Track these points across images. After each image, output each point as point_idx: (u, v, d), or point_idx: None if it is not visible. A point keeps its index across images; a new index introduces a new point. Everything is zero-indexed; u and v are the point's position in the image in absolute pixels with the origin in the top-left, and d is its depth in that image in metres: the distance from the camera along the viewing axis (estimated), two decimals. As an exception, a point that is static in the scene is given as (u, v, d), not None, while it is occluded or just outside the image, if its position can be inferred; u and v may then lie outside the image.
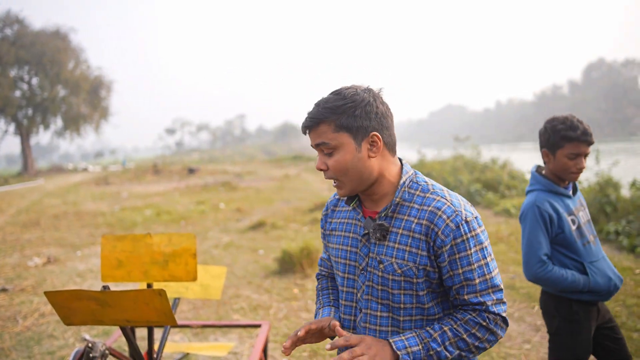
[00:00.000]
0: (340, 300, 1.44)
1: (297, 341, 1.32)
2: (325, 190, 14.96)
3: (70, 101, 39.97)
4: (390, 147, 1.33)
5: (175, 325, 2.16)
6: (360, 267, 1.35)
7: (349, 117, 1.25)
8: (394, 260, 1.28)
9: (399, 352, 1.18)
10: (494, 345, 1.21)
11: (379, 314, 1.32)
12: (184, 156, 72.60)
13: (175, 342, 2.66)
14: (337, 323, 1.24)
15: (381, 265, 1.30)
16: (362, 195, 1.36)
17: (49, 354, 3.77)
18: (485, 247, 1.28)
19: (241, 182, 19.97)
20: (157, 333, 2.86)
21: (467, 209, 1.28)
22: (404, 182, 1.32)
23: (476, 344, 1.23)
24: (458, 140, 16.60)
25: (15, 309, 4.85)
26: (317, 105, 1.30)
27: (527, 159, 22.66)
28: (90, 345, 2.09)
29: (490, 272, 1.27)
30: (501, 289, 1.29)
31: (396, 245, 1.28)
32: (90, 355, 2.08)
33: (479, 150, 15.12)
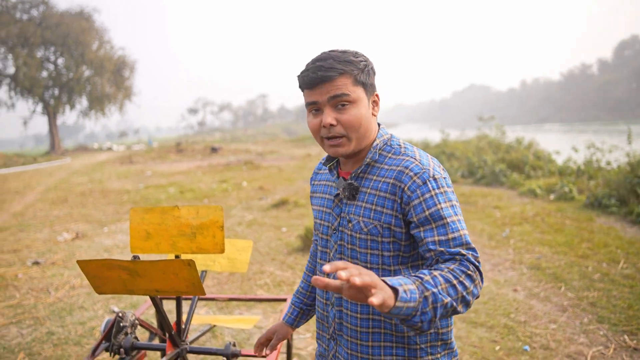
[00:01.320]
0: (318, 259, 1.46)
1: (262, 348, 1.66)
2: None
3: (95, 81, 40.54)
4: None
5: (204, 296, 2.19)
6: (332, 227, 1.36)
7: (363, 74, 1.25)
8: (360, 219, 1.28)
9: (397, 287, 0.97)
10: (475, 299, 1.13)
11: (361, 264, 1.29)
12: (206, 136, 73.15)
13: (202, 315, 2.70)
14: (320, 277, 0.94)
15: (350, 224, 1.30)
16: (347, 157, 1.33)
17: (80, 324, 3.88)
18: (456, 205, 1.23)
19: (263, 161, 20.05)
20: (184, 307, 2.90)
21: (435, 168, 1.25)
22: (377, 145, 1.31)
23: (464, 293, 1.08)
24: (482, 120, 16.30)
25: (47, 281, 4.99)
26: (328, 58, 1.23)
27: (552, 140, 22.17)
28: (120, 315, 2.14)
29: (463, 229, 1.19)
30: (474, 247, 1.18)
31: (364, 205, 1.28)
32: (121, 324, 2.13)
33: (504, 130, 14.82)
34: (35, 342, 3.57)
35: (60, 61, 40.34)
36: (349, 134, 1.25)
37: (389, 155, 1.30)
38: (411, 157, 1.27)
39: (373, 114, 1.30)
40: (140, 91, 53.01)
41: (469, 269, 1.12)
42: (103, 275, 1.67)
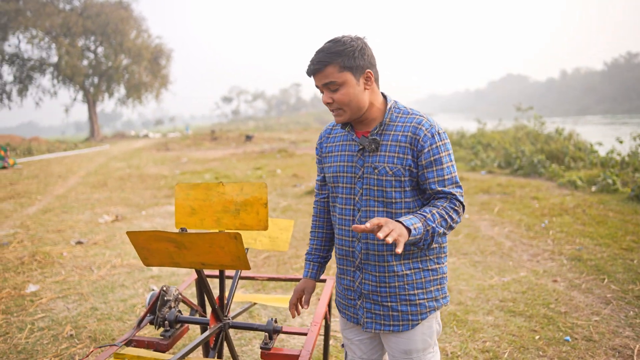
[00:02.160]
0: (339, 205, 1.74)
1: (296, 308, 1.91)
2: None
3: (133, 70, 41.44)
4: (377, 81, 1.68)
5: (244, 275, 2.21)
6: (357, 176, 1.68)
7: (349, 59, 1.57)
8: (385, 164, 1.62)
9: (409, 227, 1.44)
10: (455, 227, 1.63)
11: (376, 209, 1.65)
12: (240, 124, 73.90)
13: (241, 294, 2.75)
14: (356, 226, 1.39)
15: (376, 170, 1.63)
16: (355, 121, 1.70)
17: (122, 301, 4.01)
18: (451, 153, 1.65)
19: (297, 149, 20.13)
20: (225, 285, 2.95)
21: (439, 126, 1.65)
22: (390, 107, 1.67)
23: (451, 223, 1.58)
24: (520, 110, 15.86)
25: (90, 260, 5.17)
26: (320, 51, 1.59)
27: (593, 132, 21.37)
28: (165, 289, 2.19)
29: (455, 172, 1.65)
30: (461, 186, 1.65)
31: (387, 154, 1.63)
32: (165, 298, 2.18)
33: (543, 120, 14.39)
34: (80, 316, 3.71)
35: (100, 50, 41.43)
36: (342, 107, 1.62)
37: (399, 115, 1.66)
38: (419, 115, 1.65)
39: (366, 88, 1.62)
40: (176, 79, 54.01)
41: (455, 205, 1.60)
42: (151, 247, 1.71)
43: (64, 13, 37.64)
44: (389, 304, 1.67)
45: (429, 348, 1.74)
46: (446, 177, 1.61)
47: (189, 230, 1.83)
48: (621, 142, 10.09)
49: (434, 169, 1.60)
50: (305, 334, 2.10)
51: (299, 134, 35.92)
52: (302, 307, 1.89)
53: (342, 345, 1.96)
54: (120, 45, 39.68)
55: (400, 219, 1.47)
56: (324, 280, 2.71)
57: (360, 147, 1.66)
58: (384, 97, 1.71)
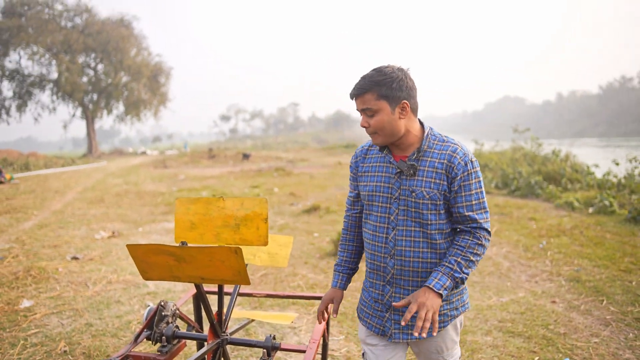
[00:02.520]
0: (373, 222, 1.85)
1: (323, 315, 2.04)
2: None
3: (132, 87, 41.64)
4: (415, 110, 1.78)
5: (242, 292, 2.20)
6: (394, 197, 1.79)
7: (387, 89, 1.70)
8: (423, 189, 1.74)
9: (439, 292, 1.64)
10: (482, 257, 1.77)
11: (412, 229, 1.77)
12: (237, 142, 74.09)
13: (239, 311, 2.72)
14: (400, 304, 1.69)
15: (413, 194, 1.75)
16: (392, 145, 1.82)
17: (117, 317, 3.96)
18: (481, 180, 1.77)
19: (294, 168, 20.15)
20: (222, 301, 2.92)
21: (471, 154, 1.77)
22: (427, 135, 1.79)
23: (477, 259, 1.73)
24: (517, 132, 15.95)
25: (85, 276, 5.12)
26: (363, 78, 1.73)
27: (589, 154, 21.46)
28: (162, 304, 2.17)
29: (483, 198, 1.77)
30: (488, 211, 1.78)
31: (424, 179, 1.75)
32: (163, 313, 2.16)
33: (540, 142, 14.47)
34: (74, 332, 3.66)
35: (100, 67, 41.65)
36: (377, 132, 1.76)
37: (436, 142, 1.78)
38: (454, 143, 1.78)
39: (401, 117, 1.74)
40: (174, 97, 54.23)
41: (479, 240, 1.73)
42: (150, 260, 1.70)
43: (65, 30, 37.96)
44: (416, 315, 1.74)
45: (455, 345, 1.93)
46: (474, 202, 1.74)
47: (188, 245, 1.83)
48: (617, 164, 10.15)
49: (463, 194, 1.73)
50: (304, 352, 2.08)
51: (297, 152, 36.01)
52: (332, 316, 2.02)
53: (363, 354, 1.97)
54: (120, 63, 39.94)
55: (430, 285, 1.66)
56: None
57: (398, 170, 1.79)
58: (421, 124, 1.84)
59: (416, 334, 1.56)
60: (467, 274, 1.71)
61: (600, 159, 14.23)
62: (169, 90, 45.63)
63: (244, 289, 2.94)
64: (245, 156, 27.44)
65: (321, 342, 2.68)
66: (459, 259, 1.70)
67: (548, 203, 9.43)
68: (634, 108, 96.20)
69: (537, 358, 3.20)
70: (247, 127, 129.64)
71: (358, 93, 1.73)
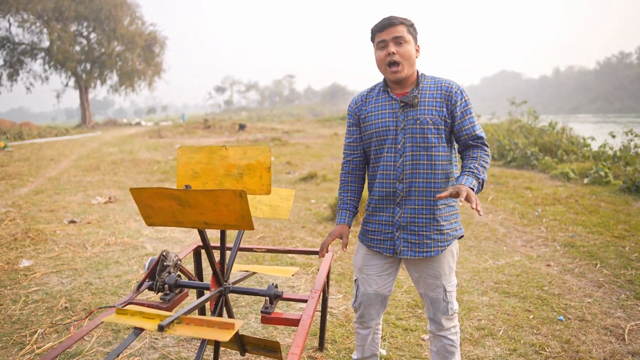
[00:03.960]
0: (383, 154, 2.06)
1: (327, 248, 2.20)
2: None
3: (126, 56, 40.99)
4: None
5: (251, 230, 2.20)
6: (400, 128, 2.02)
7: (412, 29, 2.04)
8: (426, 116, 2.00)
9: (471, 186, 1.87)
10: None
11: (418, 153, 2.00)
12: (232, 114, 73.50)
13: (240, 265, 2.73)
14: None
15: (418, 122, 2.00)
16: (393, 84, 2.07)
17: (116, 277, 3.99)
18: (472, 107, 2.07)
19: (290, 138, 20.07)
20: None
21: (462, 86, 2.06)
22: (421, 75, 2.08)
23: (487, 167, 1.98)
24: (514, 105, 15.89)
25: (83, 238, 5.13)
26: (393, 16, 2.01)
27: (585, 129, 21.44)
28: (164, 254, 2.18)
29: (478, 121, 2.06)
30: (483, 131, 2.12)
31: (426, 107, 2.00)
32: (165, 263, 2.17)
33: (537, 115, 14.44)
34: (74, 290, 3.69)
35: (92, 36, 40.86)
36: (402, 61, 1.98)
37: (429, 80, 2.07)
38: (447, 79, 2.07)
39: (416, 56, 2.05)
40: (169, 68, 53.14)
41: (486, 151, 2.02)
42: (155, 205, 1.69)
43: (56, -3, 37.09)
44: (424, 232, 2.02)
45: (452, 272, 2.11)
46: (476, 123, 2.03)
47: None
48: (614, 136, 10.17)
49: (467, 117, 2.01)
50: (306, 301, 2.10)
51: (292, 124, 35.81)
52: (343, 249, 2.17)
53: (355, 280, 2.25)
54: (113, 32, 39.20)
55: (462, 183, 1.87)
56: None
57: (402, 104, 2.02)
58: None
59: (473, 207, 1.74)
60: (485, 178, 1.96)
61: (596, 134, 14.23)
62: (163, 60, 45.04)
63: (243, 243, 2.95)
64: (242, 127, 27.27)
65: (321, 299, 2.72)
66: (477, 164, 1.95)
67: (544, 174, 9.48)
68: (631, 84, 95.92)
69: (532, 316, 3.26)
70: (242, 99, 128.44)
71: (394, 23, 1.96)
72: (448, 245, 2.05)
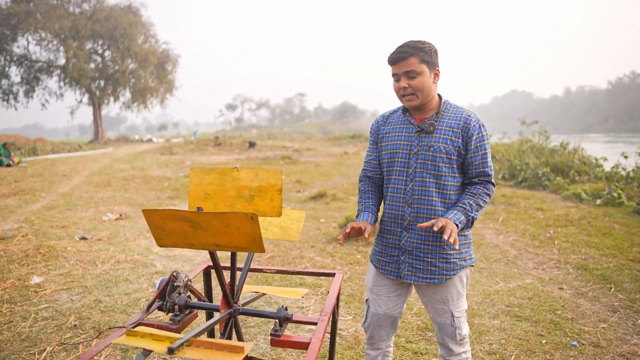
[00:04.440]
0: (394, 177, 2.10)
1: (346, 235, 2.03)
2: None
3: (139, 74, 41.56)
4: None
5: (262, 252, 2.21)
6: (413, 152, 2.05)
7: (427, 55, 1.97)
8: (440, 144, 2.00)
9: (456, 223, 1.89)
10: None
11: (428, 180, 2.02)
12: (243, 132, 74.04)
13: (250, 286, 2.73)
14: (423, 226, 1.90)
15: (431, 149, 2.01)
16: (414, 109, 2.08)
17: (126, 295, 3.99)
18: (489, 143, 2.06)
19: (300, 157, 20.14)
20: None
21: (482, 121, 2.06)
22: (444, 102, 2.08)
23: (484, 205, 2.02)
24: (525, 124, 15.85)
25: (94, 255, 5.16)
26: (405, 45, 1.98)
27: (597, 149, 21.28)
28: (175, 274, 2.18)
29: (490, 160, 2.06)
30: (493, 169, 2.07)
31: (441, 136, 2.01)
32: (175, 284, 2.17)
33: (548, 134, 14.39)
34: (84, 308, 3.70)
35: (107, 54, 41.59)
36: (416, 93, 2.00)
37: (451, 108, 2.07)
38: (468, 110, 2.07)
39: (434, 82, 2.03)
40: (181, 85, 53.85)
41: (488, 190, 2.03)
42: (166, 227, 1.70)
43: (73, 16, 37.89)
44: (429, 259, 2.04)
45: (461, 298, 2.10)
46: (488, 159, 2.04)
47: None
48: (626, 157, 10.09)
49: (480, 152, 2.01)
50: (315, 324, 2.08)
51: (302, 142, 35.96)
52: (365, 237, 2.05)
53: (366, 300, 2.28)
54: (127, 50, 39.87)
55: (448, 216, 1.91)
56: (333, 275, 2.70)
57: (418, 129, 2.04)
58: (439, 95, 2.12)
59: (445, 237, 1.78)
60: (476, 216, 1.99)
61: (608, 154, 14.11)
62: (175, 78, 45.56)
63: (253, 264, 2.95)
64: (251, 144, 27.44)
65: (331, 321, 2.69)
66: (471, 202, 1.98)
67: (555, 194, 9.39)
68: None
69: (544, 341, 3.20)
70: (253, 117, 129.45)
71: (404, 57, 1.95)
72: (454, 274, 2.05)
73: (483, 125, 2.02)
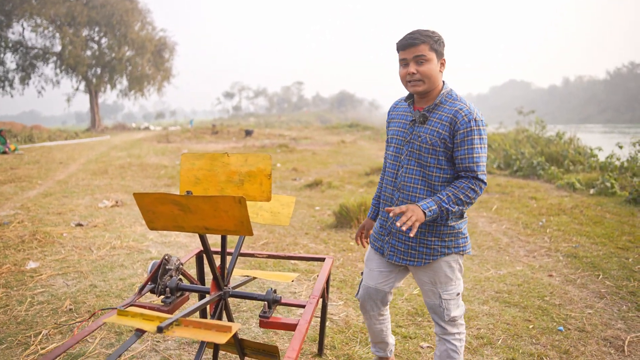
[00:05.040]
0: (389, 161, 2.24)
1: (360, 236, 2.46)
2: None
3: (136, 61, 41.34)
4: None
5: (250, 235, 2.24)
6: (406, 140, 2.14)
7: (437, 44, 2.03)
8: (427, 135, 2.06)
9: (424, 210, 1.93)
10: (475, 202, 2.25)
11: (414, 168, 2.11)
12: (240, 120, 73.83)
13: (241, 270, 2.77)
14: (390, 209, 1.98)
15: (419, 139, 2.08)
16: (420, 96, 2.12)
17: (121, 280, 4.04)
18: (484, 139, 2.02)
19: (297, 145, 20.15)
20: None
21: (478, 114, 2.02)
22: (443, 93, 2.08)
23: (466, 200, 1.99)
24: (521, 114, 15.86)
25: (89, 241, 5.20)
26: (416, 32, 2.02)
27: (595, 139, 21.33)
28: (166, 258, 2.22)
29: (483, 153, 2.02)
30: (485, 166, 2.03)
31: (431, 127, 2.05)
32: (167, 267, 2.21)
33: (544, 124, 14.41)
34: (79, 293, 3.75)
35: (103, 41, 41.30)
36: (423, 79, 2.03)
37: (449, 100, 2.07)
38: (464, 102, 2.05)
39: (440, 71, 2.07)
40: (178, 73, 53.48)
41: (472, 185, 2.00)
42: (156, 210, 1.74)
43: (69, 2, 37.55)
44: (410, 243, 2.15)
45: (451, 282, 2.17)
46: (474, 155, 1.99)
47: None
48: (621, 147, 10.14)
49: (465, 147, 1.99)
50: (303, 306, 2.14)
51: (300, 131, 35.92)
52: (365, 241, 2.45)
53: (362, 273, 2.43)
54: (124, 37, 39.61)
55: (419, 203, 1.95)
56: (323, 259, 2.75)
57: (413, 118, 2.13)
58: (444, 84, 2.12)
59: (398, 225, 1.86)
60: (453, 209, 1.98)
61: (604, 144, 14.16)
62: (172, 65, 45.34)
63: (246, 249, 2.99)
64: (248, 132, 27.41)
65: (321, 305, 2.75)
66: (449, 194, 1.98)
67: (549, 184, 9.45)
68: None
69: (531, 326, 3.27)
70: (251, 105, 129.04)
71: (415, 43, 1.99)
72: (434, 259, 2.12)
73: (476, 120, 1.99)
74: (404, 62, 2.06)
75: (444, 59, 2.07)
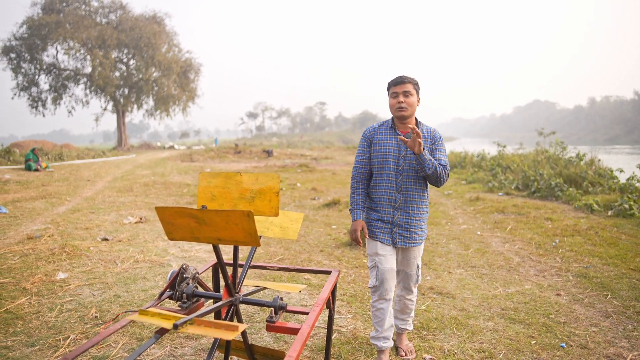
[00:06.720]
0: (387, 172, 2.92)
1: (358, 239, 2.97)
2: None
3: (162, 82, 42.51)
4: None
5: (258, 246, 2.44)
6: (402, 155, 2.90)
7: (416, 86, 2.92)
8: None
9: (423, 150, 2.76)
10: (444, 177, 2.87)
11: (414, 174, 2.91)
12: (263, 140, 74.76)
13: (251, 281, 2.97)
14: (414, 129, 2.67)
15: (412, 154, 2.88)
16: (402, 123, 2.94)
17: (143, 291, 4.28)
18: (445, 145, 2.99)
19: (318, 165, 20.41)
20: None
21: (439, 133, 3.02)
22: (420, 122, 3.01)
23: (439, 170, 2.81)
24: (542, 135, 15.85)
25: (114, 255, 5.48)
26: (404, 76, 2.88)
27: (620, 160, 21.05)
28: (184, 267, 2.44)
29: (446, 156, 2.95)
30: (448, 162, 2.94)
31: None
32: (184, 275, 2.43)
33: (564, 145, 14.37)
34: (104, 302, 3.99)
35: (131, 62, 42.71)
36: (408, 107, 2.87)
37: (423, 124, 3.01)
38: (434, 128, 3.03)
39: (417, 104, 2.94)
40: (203, 93, 54.80)
41: (445, 169, 2.86)
42: (175, 222, 1.96)
43: (100, 26, 39.12)
44: (413, 230, 2.96)
45: (421, 255, 3.12)
46: (442, 157, 2.92)
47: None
48: (642, 168, 10.06)
49: (441, 151, 2.94)
50: (307, 313, 2.31)
51: (321, 151, 36.26)
52: (366, 236, 3.02)
53: (372, 265, 2.98)
54: (151, 59, 40.90)
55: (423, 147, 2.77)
56: (329, 272, 2.92)
57: (406, 139, 2.80)
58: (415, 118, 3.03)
59: (411, 126, 2.62)
60: (429, 165, 2.77)
61: (629, 165, 14.01)
62: (197, 86, 46.43)
63: (257, 261, 3.19)
64: (268, 152, 27.83)
65: (327, 318, 2.91)
66: (435, 163, 2.82)
67: (567, 205, 9.43)
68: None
69: (534, 342, 3.36)
70: (274, 125, 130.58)
71: (404, 81, 2.85)
72: (424, 239, 3.05)
73: (441, 137, 3.00)
74: (394, 95, 2.88)
75: (419, 98, 2.95)
